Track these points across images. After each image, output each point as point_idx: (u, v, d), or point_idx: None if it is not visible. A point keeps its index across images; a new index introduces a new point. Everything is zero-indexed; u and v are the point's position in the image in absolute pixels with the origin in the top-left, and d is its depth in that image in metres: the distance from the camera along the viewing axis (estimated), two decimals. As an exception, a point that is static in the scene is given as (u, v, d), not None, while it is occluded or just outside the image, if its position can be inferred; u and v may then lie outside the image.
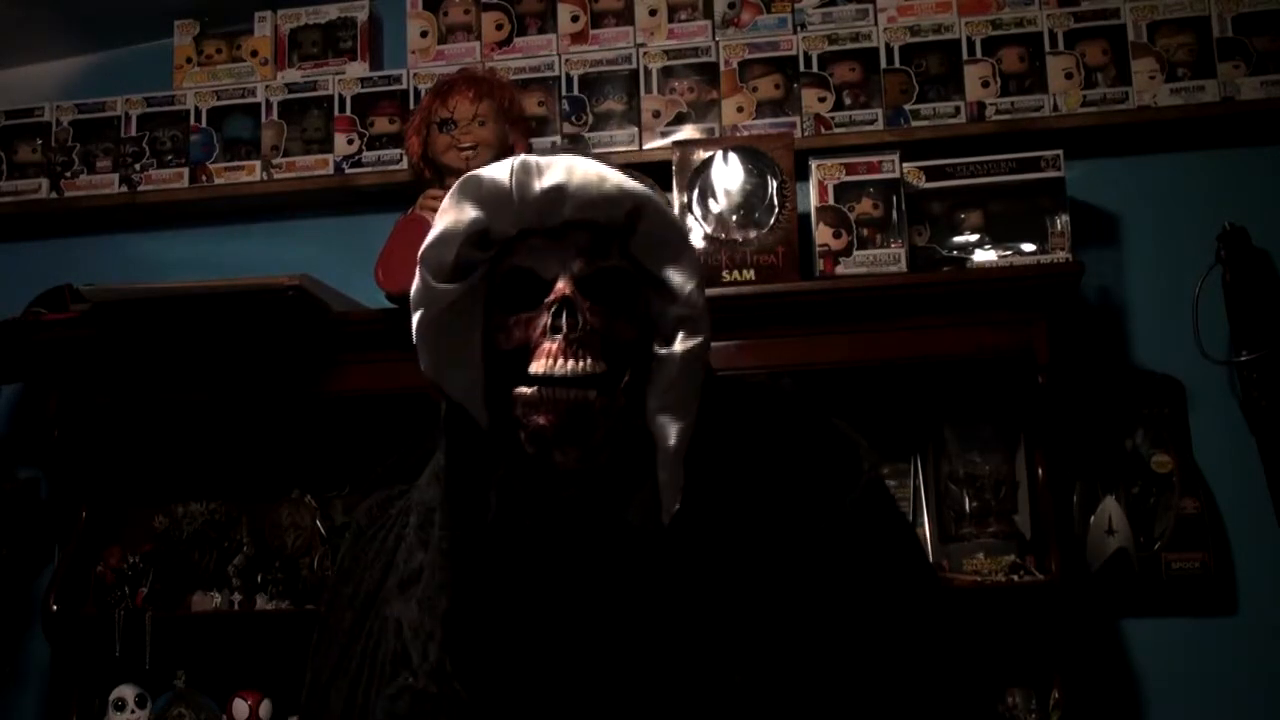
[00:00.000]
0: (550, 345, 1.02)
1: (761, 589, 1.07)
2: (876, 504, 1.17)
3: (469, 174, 1.06)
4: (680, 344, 1.06)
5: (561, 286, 1.04)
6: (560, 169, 1.04)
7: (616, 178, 1.05)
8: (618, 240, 1.06)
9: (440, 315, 1.06)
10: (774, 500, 1.11)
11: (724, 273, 2.18)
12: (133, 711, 2.34)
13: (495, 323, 1.07)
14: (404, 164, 2.46)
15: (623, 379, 1.04)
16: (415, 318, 1.07)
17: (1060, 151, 2.19)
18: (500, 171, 1.04)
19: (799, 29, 2.45)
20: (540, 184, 1.03)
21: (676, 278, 1.06)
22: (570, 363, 1.01)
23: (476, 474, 1.09)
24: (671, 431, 1.05)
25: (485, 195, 1.05)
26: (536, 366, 1.02)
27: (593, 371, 1.02)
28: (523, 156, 1.05)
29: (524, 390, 1.03)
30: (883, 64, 2.40)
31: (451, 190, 1.06)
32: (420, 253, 1.06)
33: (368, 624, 1.15)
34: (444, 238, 1.05)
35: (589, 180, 1.04)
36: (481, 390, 1.08)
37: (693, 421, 1.06)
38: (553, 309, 1.03)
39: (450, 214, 1.06)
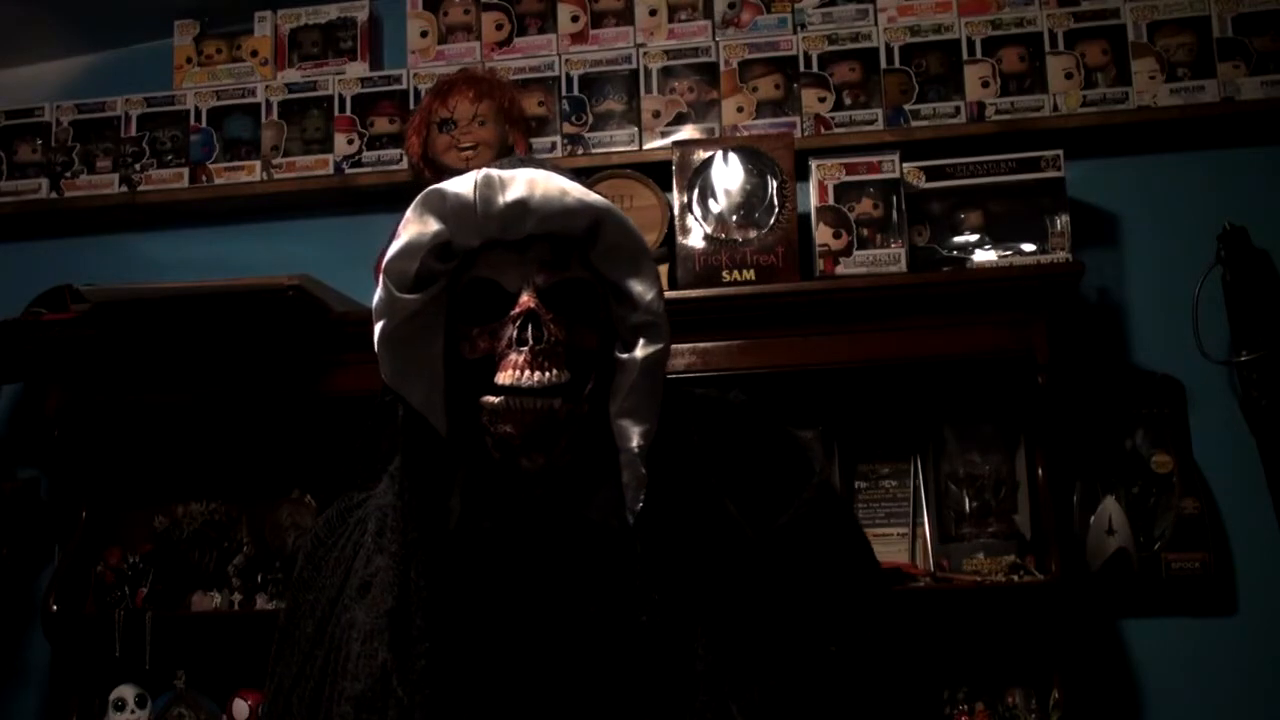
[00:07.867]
0: (516, 357, 1.05)
1: (723, 589, 1.09)
2: (827, 506, 1.22)
3: (432, 188, 1.08)
4: (641, 350, 1.09)
5: (526, 299, 1.07)
6: (523, 183, 1.06)
7: (578, 191, 1.08)
8: (578, 251, 1.10)
9: (402, 325, 1.08)
10: (732, 501, 1.14)
11: (724, 273, 2.18)
12: (133, 711, 2.34)
13: (459, 333, 1.10)
14: (404, 164, 2.46)
15: (586, 386, 1.08)
16: (378, 328, 1.09)
17: (1060, 151, 2.20)
18: (464, 185, 1.07)
19: (799, 29, 2.45)
20: (504, 198, 1.06)
21: (637, 287, 1.09)
22: (536, 374, 1.05)
23: (435, 479, 1.11)
24: (634, 434, 1.09)
25: (449, 209, 1.07)
26: (503, 378, 1.06)
27: (557, 382, 1.05)
28: (485, 170, 1.07)
29: (491, 399, 1.06)
30: (883, 64, 2.40)
31: (415, 203, 1.08)
32: (384, 264, 1.08)
33: (329, 630, 1.16)
34: (408, 250, 1.07)
35: (550, 194, 1.06)
36: (442, 398, 1.10)
37: (654, 425, 1.09)
38: (518, 322, 1.06)
39: (414, 226, 1.08)
